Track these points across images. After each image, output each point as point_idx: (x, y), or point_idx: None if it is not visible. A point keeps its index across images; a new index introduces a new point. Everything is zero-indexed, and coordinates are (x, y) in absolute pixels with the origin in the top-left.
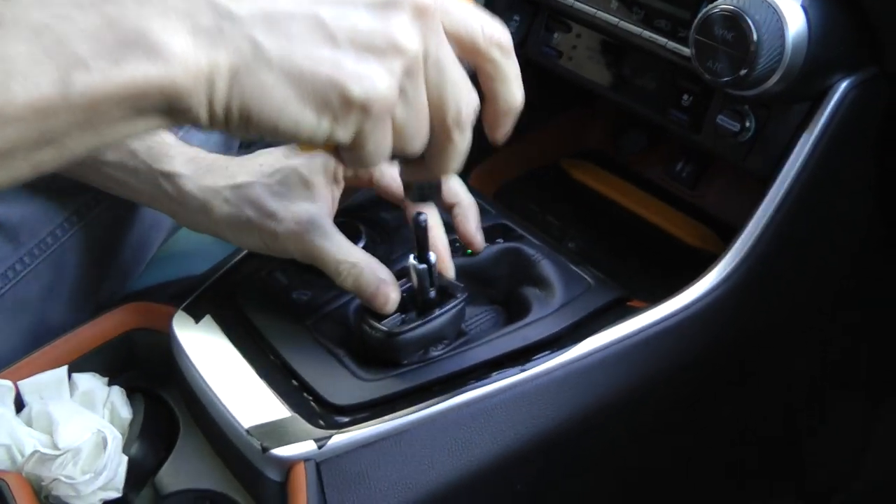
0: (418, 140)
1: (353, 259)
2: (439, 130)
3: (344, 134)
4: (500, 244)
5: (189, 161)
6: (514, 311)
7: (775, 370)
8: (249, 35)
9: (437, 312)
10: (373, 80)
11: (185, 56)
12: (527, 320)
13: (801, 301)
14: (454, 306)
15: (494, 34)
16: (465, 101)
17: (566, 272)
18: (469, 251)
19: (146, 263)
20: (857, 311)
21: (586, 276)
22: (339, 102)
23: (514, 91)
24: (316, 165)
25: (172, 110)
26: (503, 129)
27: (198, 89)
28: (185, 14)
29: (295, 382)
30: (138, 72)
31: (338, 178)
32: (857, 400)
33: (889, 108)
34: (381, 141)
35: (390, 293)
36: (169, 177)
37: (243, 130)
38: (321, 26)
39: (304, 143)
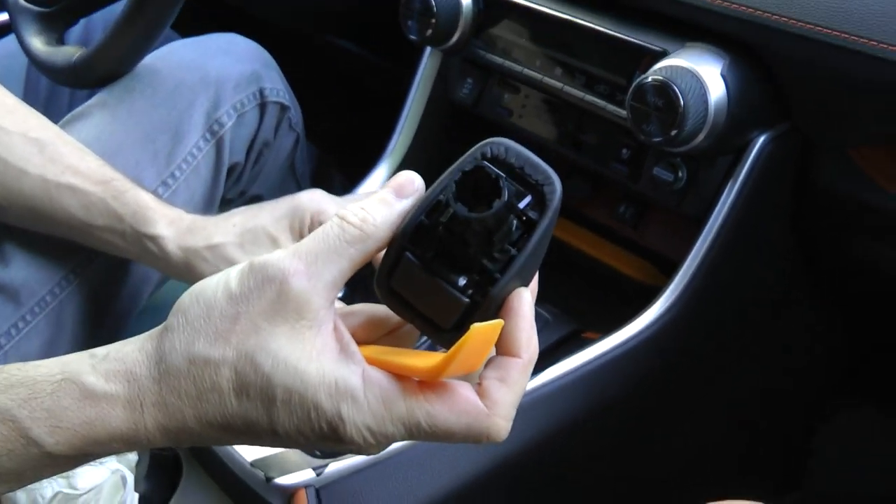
0: None
1: None
2: None
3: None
4: None
5: (170, 223)
6: None
7: (720, 387)
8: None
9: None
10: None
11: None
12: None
13: (736, 324)
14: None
15: None
16: None
17: None
18: None
19: (138, 313)
20: (787, 329)
21: (543, 312)
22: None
23: None
24: (282, 223)
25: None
26: None
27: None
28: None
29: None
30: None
31: (303, 235)
32: (801, 409)
33: (802, 156)
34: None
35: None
36: (153, 239)
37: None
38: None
39: None
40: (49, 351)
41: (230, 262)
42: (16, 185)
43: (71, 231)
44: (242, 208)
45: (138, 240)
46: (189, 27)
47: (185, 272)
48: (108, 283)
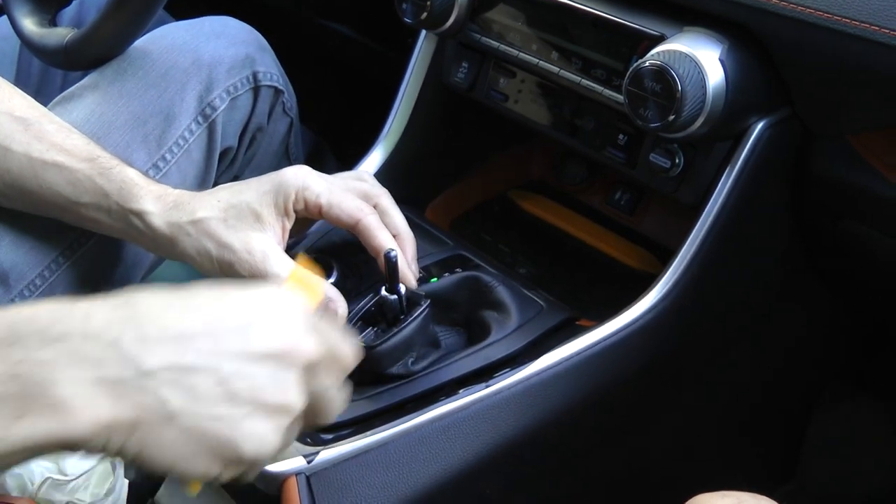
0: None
1: None
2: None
3: (229, 476)
4: (459, 273)
5: (156, 199)
6: (475, 332)
7: (715, 376)
8: (156, 391)
9: (406, 321)
10: (262, 440)
11: (84, 410)
12: (488, 341)
13: (732, 313)
14: (420, 314)
15: (345, 361)
16: (334, 410)
17: (520, 296)
18: (433, 278)
19: None
20: (784, 319)
21: (538, 300)
22: (231, 457)
23: (333, 406)
24: (266, 199)
25: (68, 449)
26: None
27: (95, 439)
28: (92, 363)
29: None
30: (37, 427)
31: (287, 211)
32: (796, 399)
33: (801, 143)
34: (265, 464)
35: (338, 305)
36: (139, 214)
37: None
38: (222, 382)
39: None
40: None
41: (213, 238)
42: (1, 163)
43: (58, 209)
44: (228, 185)
45: (124, 216)
46: (182, 10)
47: (170, 247)
48: (98, 267)
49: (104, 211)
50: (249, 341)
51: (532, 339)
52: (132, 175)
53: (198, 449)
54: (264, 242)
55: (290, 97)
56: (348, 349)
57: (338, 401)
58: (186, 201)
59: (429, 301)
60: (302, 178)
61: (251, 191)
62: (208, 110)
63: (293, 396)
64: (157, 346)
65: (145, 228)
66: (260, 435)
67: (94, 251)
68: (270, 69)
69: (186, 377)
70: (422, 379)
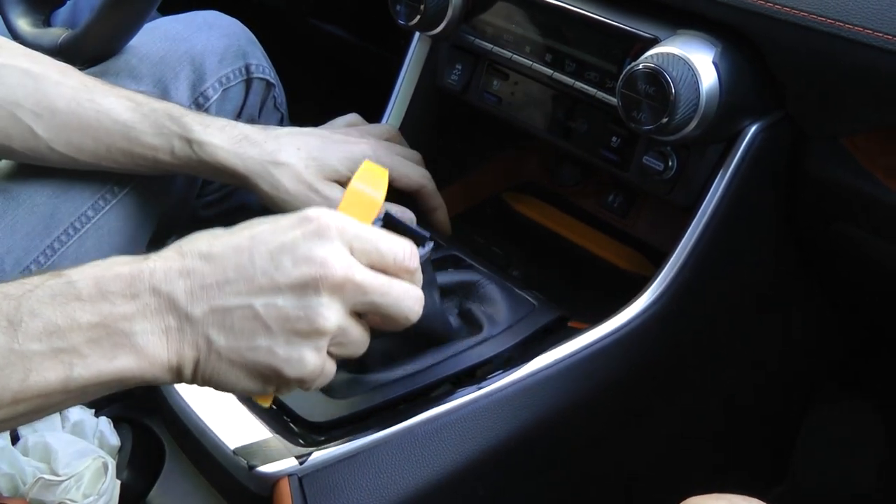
0: (364, 347)
1: None
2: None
3: (288, 391)
4: (452, 272)
5: (220, 130)
6: (466, 330)
7: (708, 379)
8: (204, 334)
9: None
10: (301, 361)
11: (159, 355)
12: (479, 338)
13: (725, 315)
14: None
15: (404, 261)
16: (404, 305)
17: (512, 295)
18: None
19: None
20: (777, 322)
21: (530, 299)
22: (278, 379)
23: (413, 301)
24: (347, 164)
25: (147, 384)
26: (394, 328)
27: (167, 375)
28: (157, 315)
29: (273, 406)
30: (125, 367)
31: None
32: (789, 402)
33: (794, 145)
34: (325, 380)
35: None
36: (201, 144)
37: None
38: (256, 317)
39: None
40: None
41: (296, 180)
42: (54, 90)
43: (111, 139)
44: (299, 132)
45: (186, 144)
46: (173, 9)
47: (237, 179)
48: (93, 256)
49: (165, 139)
50: (276, 276)
51: (523, 337)
52: (182, 108)
53: (248, 374)
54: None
55: (280, 93)
56: (398, 253)
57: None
58: (260, 140)
59: (432, 244)
60: (373, 150)
61: (331, 152)
62: (201, 100)
63: (322, 320)
64: (202, 295)
65: (209, 158)
66: (297, 358)
67: (93, 237)
68: (262, 62)
69: (226, 318)
70: (414, 377)
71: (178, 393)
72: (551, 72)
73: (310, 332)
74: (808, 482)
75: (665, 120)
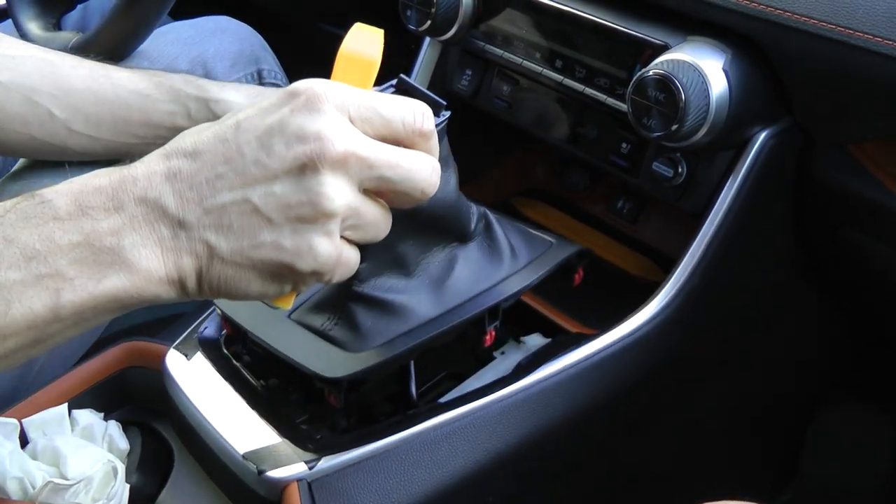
0: (384, 229)
1: None
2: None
3: (308, 287)
4: None
5: (236, 90)
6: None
7: (717, 384)
8: (202, 239)
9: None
10: (312, 251)
11: (155, 269)
12: (501, 273)
13: (735, 321)
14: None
15: (415, 124)
16: (419, 178)
17: (528, 234)
18: None
19: None
20: (786, 327)
21: (547, 237)
22: (293, 275)
23: (429, 173)
24: None
25: (153, 303)
26: (410, 204)
27: (169, 291)
28: (147, 225)
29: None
30: (118, 287)
31: None
32: (798, 405)
33: (803, 152)
34: (346, 270)
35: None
36: (219, 102)
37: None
38: (255, 211)
39: (277, 299)
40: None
41: None
42: (70, 72)
43: (128, 111)
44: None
45: (204, 105)
46: (182, 13)
47: None
48: None
49: (181, 103)
50: (269, 163)
51: (547, 270)
52: (197, 77)
53: (258, 275)
54: None
55: None
56: (407, 115)
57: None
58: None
59: (449, 113)
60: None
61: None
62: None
63: (326, 201)
64: (192, 197)
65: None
66: (307, 248)
67: None
68: (274, 68)
69: (222, 218)
70: (427, 326)
71: (187, 397)
72: (561, 78)
73: (316, 217)
74: (816, 487)
75: (675, 126)
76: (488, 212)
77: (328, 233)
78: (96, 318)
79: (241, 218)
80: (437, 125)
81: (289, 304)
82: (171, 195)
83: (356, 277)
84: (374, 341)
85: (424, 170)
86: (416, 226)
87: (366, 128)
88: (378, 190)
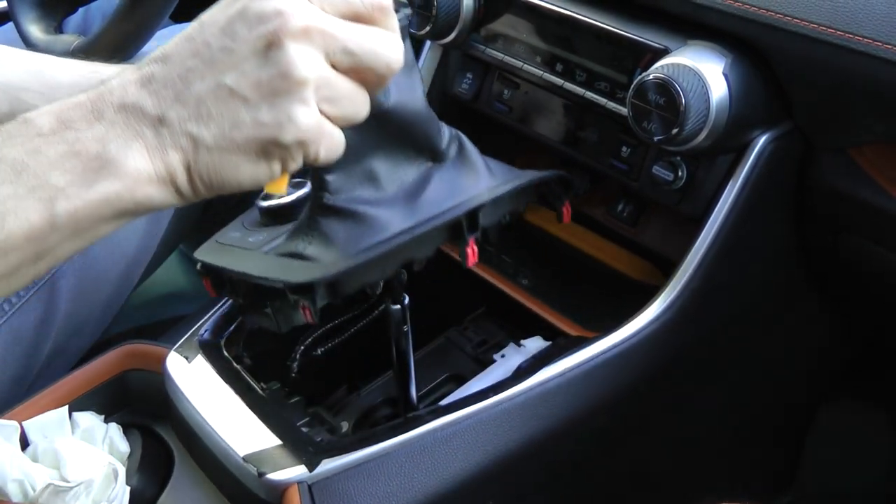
0: (362, 107)
1: None
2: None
3: (298, 164)
4: None
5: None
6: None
7: (717, 386)
8: (185, 132)
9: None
10: (292, 119)
11: (143, 168)
12: (476, 190)
13: (734, 324)
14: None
15: (374, 0)
16: (383, 52)
17: (503, 163)
18: None
19: (132, 292)
20: (786, 330)
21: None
22: (279, 150)
23: (392, 47)
24: None
25: (149, 208)
26: (379, 89)
27: (162, 189)
28: (129, 128)
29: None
30: (110, 190)
31: None
32: (797, 407)
33: (803, 157)
34: (331, 144)
35: None
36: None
37: (215, 195)
38: (231, 93)
39: (269, 184)
40: (42, 328)
41: None
42: (58, 71)
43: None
44: None
45: None
46: (183, 15)
47: None
48: (102, 258)
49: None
50: (235, 47)
51: (527, 180)
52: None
53: (245, 157)
54: None
55: None
56: None
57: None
58: None
59: (409, 11)
60: None
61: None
62: None
63: (296, 69)
64: (168, 94)
65: None
66: (286, 117)
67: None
68: None
69: (200, 108)
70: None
71: (187, 399)
72: (562, 81)
73: (289, 87)
74: (817, 489)
75: (675, 130)
76: (461, 134)
77: (304, 100)
78: (94, 227)
79: (218, 104)
80: (399, 21)
81: (282, 187)
82: (147, 97)
83: (326, 189)
84: (348, 251)
85: (387, 43)
86: (386, 136)
87: (324, 5)
88: (345, 67)
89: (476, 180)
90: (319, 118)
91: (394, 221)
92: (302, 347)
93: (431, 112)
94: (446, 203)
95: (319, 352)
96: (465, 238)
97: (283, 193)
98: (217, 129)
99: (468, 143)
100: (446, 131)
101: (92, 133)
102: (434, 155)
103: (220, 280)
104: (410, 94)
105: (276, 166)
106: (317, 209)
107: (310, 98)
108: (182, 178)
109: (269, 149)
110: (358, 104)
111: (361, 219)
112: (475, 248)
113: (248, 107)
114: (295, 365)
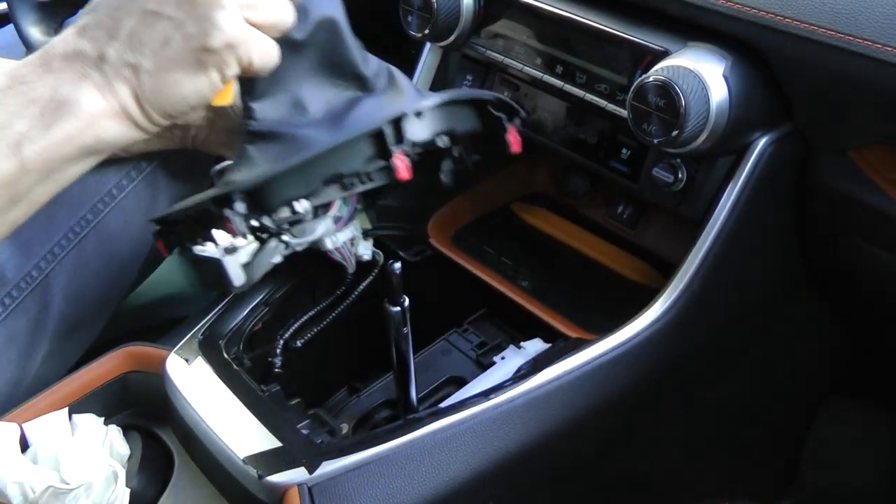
0: (285, 12)
1: None
2: None
3: (234, 70)
4: None
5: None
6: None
7: (718, 387)
8: (124, 62)
9: None
10: (217, 25)
11: (95, 103)
12: (401, 94)
13: (735, 326)
14: None
15: None
16: None
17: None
18: None
19: (125, 298)
20: (786, 332)
21: None
22: (211, 56)
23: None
24: None
25: (110, 143)
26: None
27: (118, 122)
28: (74, 72)
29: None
30: (69, 129)
31: None
32: (797, 408)
33: (803, 159)
34: (262, 50)
35: None
36: None
37: (170, 123)
38: (156, 16)
39: (215, 97)
40: (36, 329)
41: None
42: None
43: None
44: None
45: None
46: None
47: None
48: (94, 258)
49: None
50: None
51: (457, 95)
52: None
53: (184, 72)
54: None
55: None
56: None
57: None
58: None
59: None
60: None
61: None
62: None
63: None
64: (101, 35)
65: None
66: (211, 25)
67: (90, 245)
68: None
69: (132, 39)
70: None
71: (187, 401)
72: (562, 83)
73: None
74: (816, 489)
75: (675, 132)
76: (393, 67)
77: (222, 6)
78: (62, 167)
79: (147, 30)
80: None
81: (228, 98)
82: (86, 42)
83: (252, 117)
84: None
85: None
86: (311, 65)
87: None
88: None
89: (404, 100)
90: (244, 24)
91: (319, 138)
92: (282, 341)
93: (356, 39)
94: (373, 120)
95: (299, 343)
96: (389, 150)
97: (229, 103)
98: (151, 52)
99: (399, 74)
100: (374, 61)
101: (43, 83)
102: (361, 84)
103: (168, 232)
104: (331, 5)
105: (215, 75)
106: (245, 137)
107: (230, 4)
108: (134, 108)
109: (202, 57)
110: (279, 8)
111: (286, 139)
112: (405, 161)
113: (175, 24)
114: (277, 360)
